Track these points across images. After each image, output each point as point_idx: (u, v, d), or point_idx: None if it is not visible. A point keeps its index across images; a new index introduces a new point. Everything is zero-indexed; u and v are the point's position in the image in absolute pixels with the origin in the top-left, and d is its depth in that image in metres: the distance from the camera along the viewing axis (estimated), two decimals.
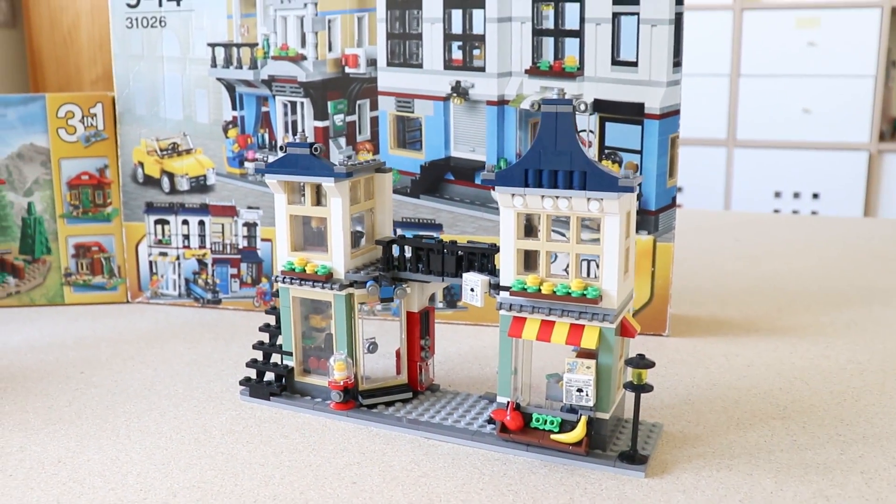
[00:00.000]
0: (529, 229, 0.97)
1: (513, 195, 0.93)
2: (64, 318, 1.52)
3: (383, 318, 1.16)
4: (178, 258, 1.56)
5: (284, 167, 1.05)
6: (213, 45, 1.49)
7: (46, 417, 1.08)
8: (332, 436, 1.01)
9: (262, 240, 1.51)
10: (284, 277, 1.08)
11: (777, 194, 3.68)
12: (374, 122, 1.43)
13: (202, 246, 1.54)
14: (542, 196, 0.92)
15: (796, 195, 3.65)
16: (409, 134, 1.42)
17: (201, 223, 1.53)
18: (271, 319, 1.14)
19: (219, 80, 1.49)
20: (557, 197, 0.91)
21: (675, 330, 1.37)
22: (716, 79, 3.67)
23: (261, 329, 1.14)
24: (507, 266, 0.96)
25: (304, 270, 1.06)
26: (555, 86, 1.33)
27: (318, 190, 1.06)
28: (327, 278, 1.05)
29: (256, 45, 1.46)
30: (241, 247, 1.52)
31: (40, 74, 4.18)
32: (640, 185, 1.08)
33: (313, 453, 0.97)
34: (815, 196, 3.63)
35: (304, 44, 1.43)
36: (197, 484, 0.90)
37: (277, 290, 1.11)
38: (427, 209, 1.41)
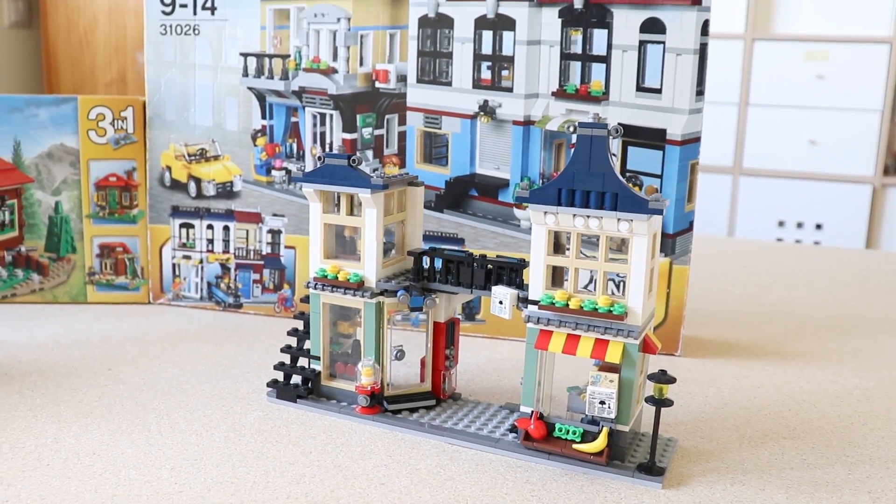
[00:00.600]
0: (556, 246, 1.01)
1: (545, 213, 0.97)
2: (87, 316, 1.55)
3: (403, 329, 1.20)
4: (201, 262, 1.59)
5: (322, 177, 1.08)
6: (245, 55, 1.52)
7: (77, 411, 1.11)
8: (359, 439, 1.04)
9: (286, 247, 1.54)
10: (316, 284, 1.11)
11: (781, 223, 3.72)
12: (402, 136, 1.46)
13: (226, 251, 1.57)
14: (574, 215, 0.96)
15: (799, 225, 3.69)
16: (435, 149, 1.45)
17: (226, 228, 1.57)
18: (299, 324, 1.17)
19: (250, 89, 1.53)
20: (589, 216, 0.95)
21: (686, 350, 1.41)
22: (725, 107, 3.71)
23: (289, 333, 1.17)
24: (537, 281, 0.99)
25: (336, 278, 1.09)
26: (580, 109, 1.37)
27: (351, 200, 1.10)
28: (359, 286, 1.08)
29: (288, 56, 1.50)
30: (264, 253, 1.55)
31: (55, 75, 4.21)
32: None
33: (341, 454, 1.00)
34: (819, 227, 3.67)
35: (335, 57, 1.47)
36: (230, 479, 0.93)
37: (307, 296, 1.14)
38: (450, 223, 1.44)
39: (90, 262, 1.62)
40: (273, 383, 1.16)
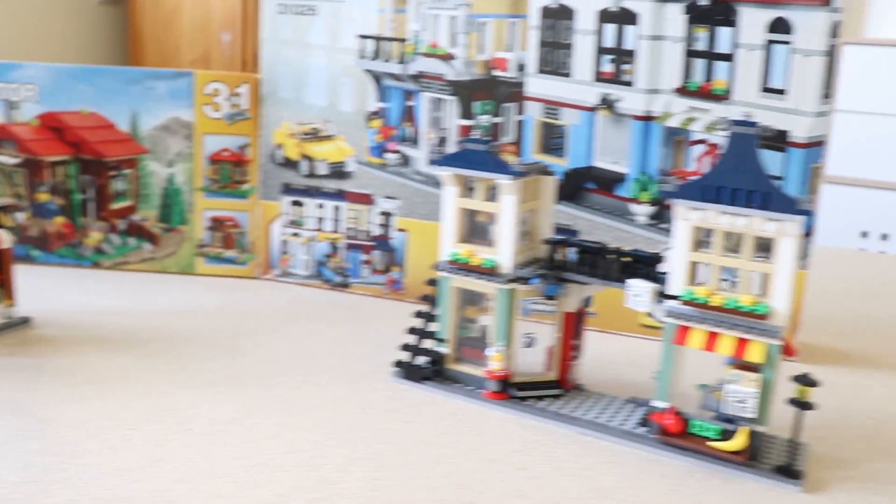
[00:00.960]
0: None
1: (692, 209, 0.97)
2: (198, 287, 1.57)
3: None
4: (310, 240, 1.60)
5: (460, 161, 1.09)
6: (362, 37, 1.53)
7: (207, 380, 1.13)
8: (490, 423, 1.05)
9: (398, 230, 1.54)
10: (448, 267, 1.12)
11: (863, 234, 3.66)
12: (519, 125, 1.46)
13: (335, 230, 1.59)
14: (722, 212, 0.95)
15: (884, 237, 3.63)
16: (553, 140, 1.45)
17: (336, 208, 1.58)
18: (425, 307, 1.18)
19: (366, 71, 1.54)
20: (736, 214, 0.94)
21: (801, 356, 1.39)
22: None
23: (415, 315, 1.18)
24: (678, 276, 0.99)
25: (469, 262, 1.10)
26: (703, 106, 1.36)
27: (486, 186, 1.10)
28: (492, 271, 1.09)
29: (406, 40, 1.50)
30: (374, 234, 1.56)
31: (140, 53, 4.27)
32: None
33: (475, 438, 1.00)
34: None
35: (454, 44, 1.47)
36: (370, 456, 0.94)
37: (433, 279, 1.15)
38: (565, 215, 1.44)
39: (200, 234, 1.64)
40: (399, 363, 1.16)
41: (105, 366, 1.16)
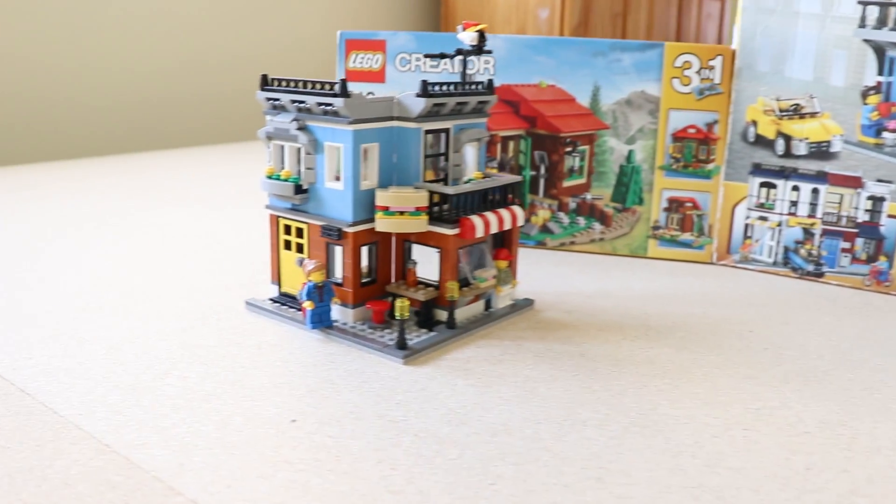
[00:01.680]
0: None
1: None
2: (660, 270, 1.50)
3: None
4: (779, 224, 1.49)
5: None
6: (864, 4, 1.40)
7: (772, 375, 1.04)
8: None
9: (889, 216, 1.41)
10: None
11: None
12: None
13: (811, 215, 1.46)
14: None
15: None
16: None
17: (815, 191, 1.46)
18: None
19: (866, 41, 1.40)
20: None
21: None
22: None
23: None
24: None
25: None
26: None
27: None
28: None
29: None
30: (860, 221, 1.43)
31: (451, 28, 4.30)
32: None
33: None
34: None
35: None
36: None
37: None
38: None
39: (656, 215, 1.56)
40: None
41: (648, 356, 1.09)
